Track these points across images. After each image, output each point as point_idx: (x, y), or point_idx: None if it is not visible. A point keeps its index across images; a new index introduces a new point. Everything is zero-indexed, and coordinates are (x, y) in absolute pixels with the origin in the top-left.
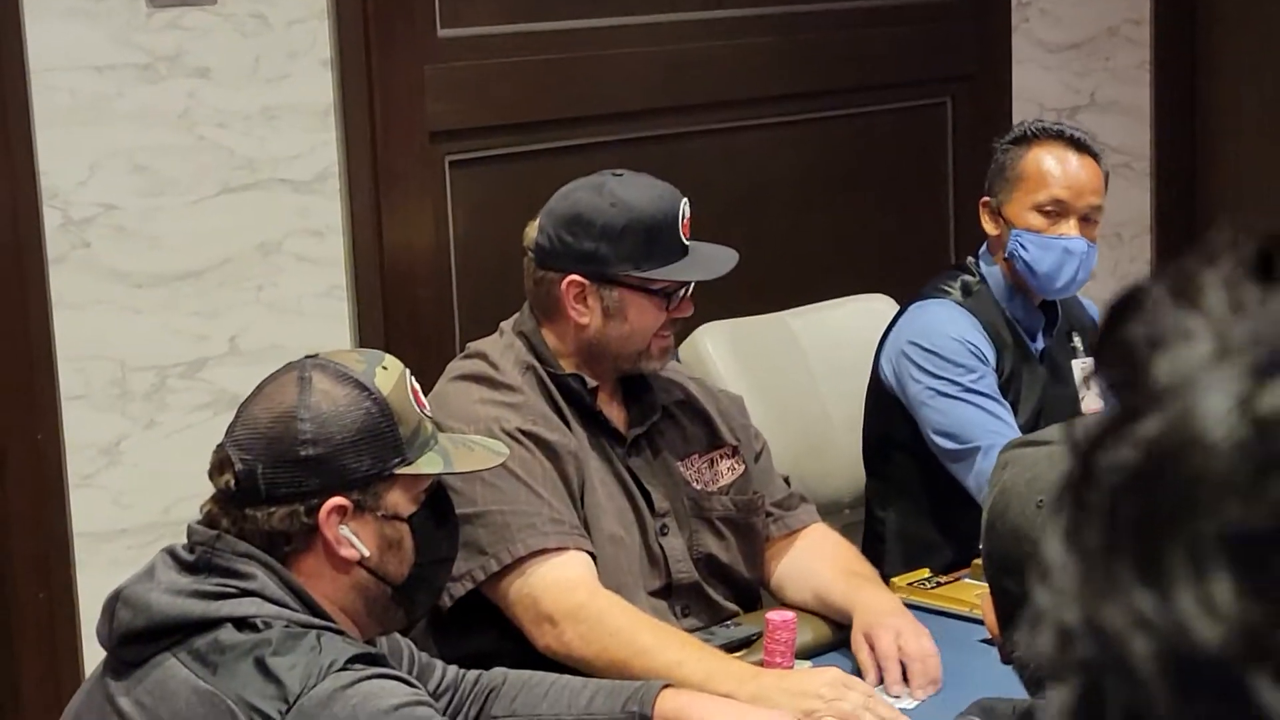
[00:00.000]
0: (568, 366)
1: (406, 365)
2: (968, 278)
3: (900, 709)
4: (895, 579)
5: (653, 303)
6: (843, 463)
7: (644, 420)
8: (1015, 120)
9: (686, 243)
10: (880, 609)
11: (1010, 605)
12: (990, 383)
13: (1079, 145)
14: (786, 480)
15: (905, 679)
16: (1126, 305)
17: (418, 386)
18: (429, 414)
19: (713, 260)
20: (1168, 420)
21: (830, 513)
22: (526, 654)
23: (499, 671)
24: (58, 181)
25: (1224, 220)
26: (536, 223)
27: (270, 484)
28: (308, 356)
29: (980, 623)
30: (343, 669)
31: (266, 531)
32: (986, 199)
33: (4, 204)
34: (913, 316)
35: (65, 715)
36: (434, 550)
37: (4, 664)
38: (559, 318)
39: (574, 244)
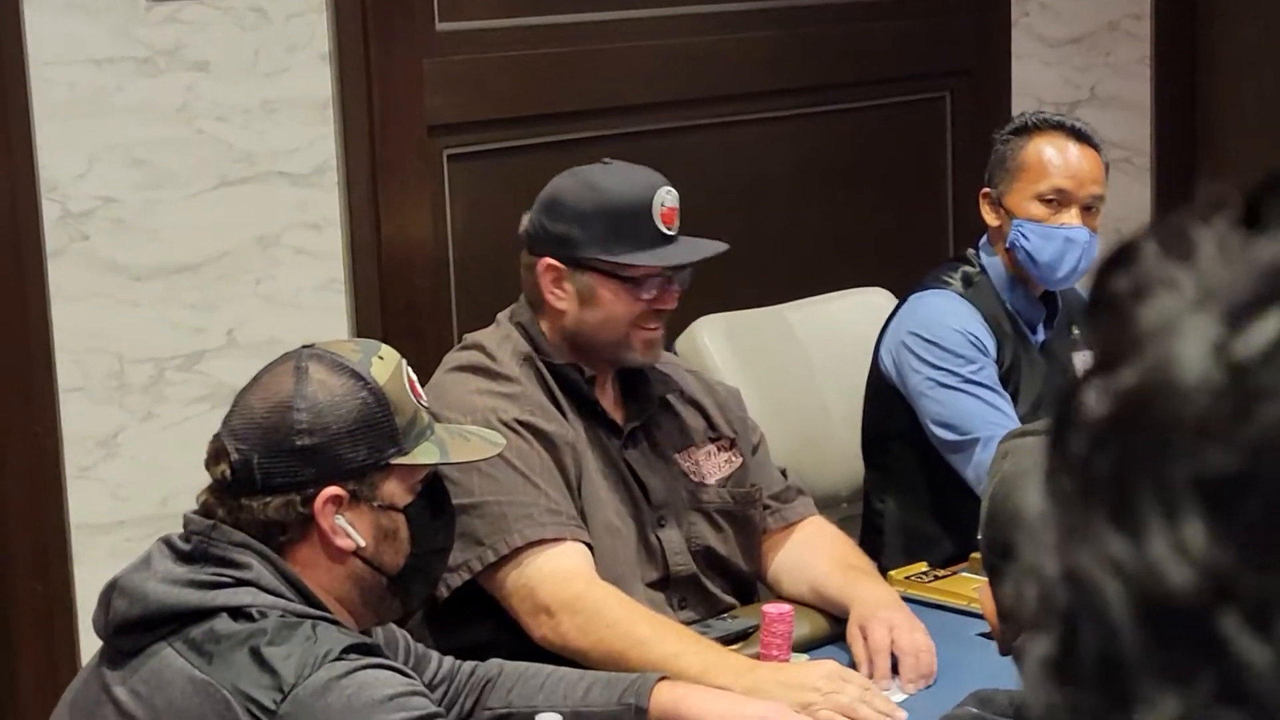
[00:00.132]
0: (562, 357)
1: (404, 358)
2: (968, 269)
3: (897, 701)
4: (893, 572)
5: (624, 289)
6: (840, 455)
7: (641, 412)
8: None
9: (667, 232)
10: (876, 602)
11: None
12: (990, 374)
13: (1079, 135)
14: (784, 473)
15: (897, 672)
16: (1116, 258)
17: (414, 377)
18: (425, 404)
19: (690, 250)
20: (1145, 367)
21: (828, 505)
22: (523, 645)
23: (495, 663)
24: (56, 174)
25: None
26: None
27: (266, 474)
28: (304, 346)
29: (978, 616)
30: (338, 659)
31: (262, 521)
32: (987, 190)
33: (3, 197)
34: (913, 307)
35: (61, 704)
36: (430, 540)
37: (1, 656)
38: (544, 305)
39: (550, 227)
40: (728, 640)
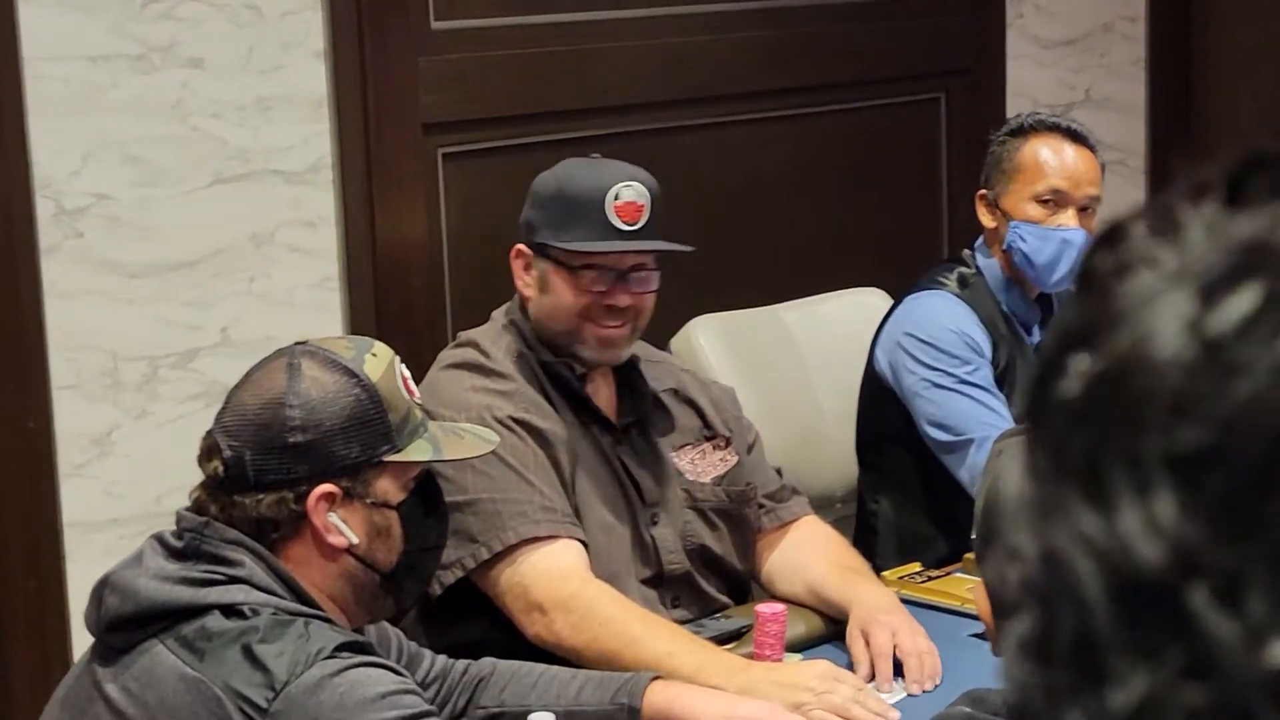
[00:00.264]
0: (552, 353)
1: (398, 356)
2: (964, 270)
3: (891, 702)
4: (886, 573)
5: (571, 278)
6: (835, 456)
7: (634, 410)
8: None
9: (620, 225)
10: (877, 605)
11: None
12: (985, 375)
13: (1075, 136)
14: (779, 472)
15: (898, 674)
16: (1103, 239)
17: (407, 374)
18: (418, 401)
19: (639, 246)
20: (1120, 343)
21: (822, 506)
22: (516, 643)
23: (488, 661)
24: (50, 171)
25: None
26: None
27: (258, 471)
28: (297, 343)
29: (971, 617)
30: (330, 657)
31: (255, 518)
32: (983, 191)
33: None
34: (909, 308)
35: (52, 701)
36: (423, 538)
37: None
38: (520, 295)
39: (524, 214)
40: (721, 640)
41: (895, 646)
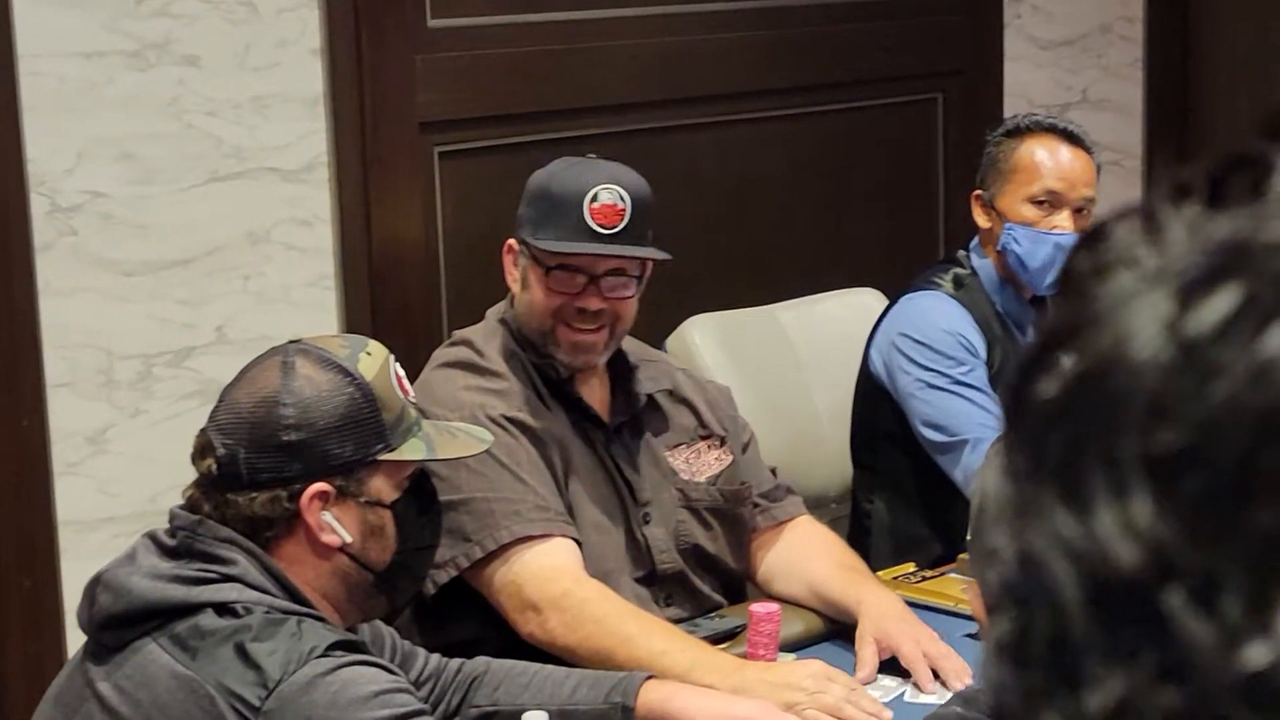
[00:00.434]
0: (539, 352)
1: (394, 355)
2: (959, 270)
3: (933, 701)
4: (880, 573)
5: (544, 277)
6: (830, 456)
7: (627, 409)
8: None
9: (596, 228)
10: (891, 613)
11: None
12: (980, 376)
13: (1071, 137)
14: (774, 471)
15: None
16: (1086, 240)
17: (402, 372)
18: (413, 400)
19: (610, 249)
20: (1098, 343)
21: (817, 506)
22: (510, 642)
23: (482, 660)
24: (45, 168)
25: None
26: None
27: (252, 469)
28: (291, 341)
29: (965, 617)
30: (323, 655)
31: (248, 517)
32: (978, 192)
33: None
34: (904, 308)
35: (45, 699)
36: (417, 537)
37: None
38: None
39: (518, 208)
40: (715, 639)
41: (924, 653)
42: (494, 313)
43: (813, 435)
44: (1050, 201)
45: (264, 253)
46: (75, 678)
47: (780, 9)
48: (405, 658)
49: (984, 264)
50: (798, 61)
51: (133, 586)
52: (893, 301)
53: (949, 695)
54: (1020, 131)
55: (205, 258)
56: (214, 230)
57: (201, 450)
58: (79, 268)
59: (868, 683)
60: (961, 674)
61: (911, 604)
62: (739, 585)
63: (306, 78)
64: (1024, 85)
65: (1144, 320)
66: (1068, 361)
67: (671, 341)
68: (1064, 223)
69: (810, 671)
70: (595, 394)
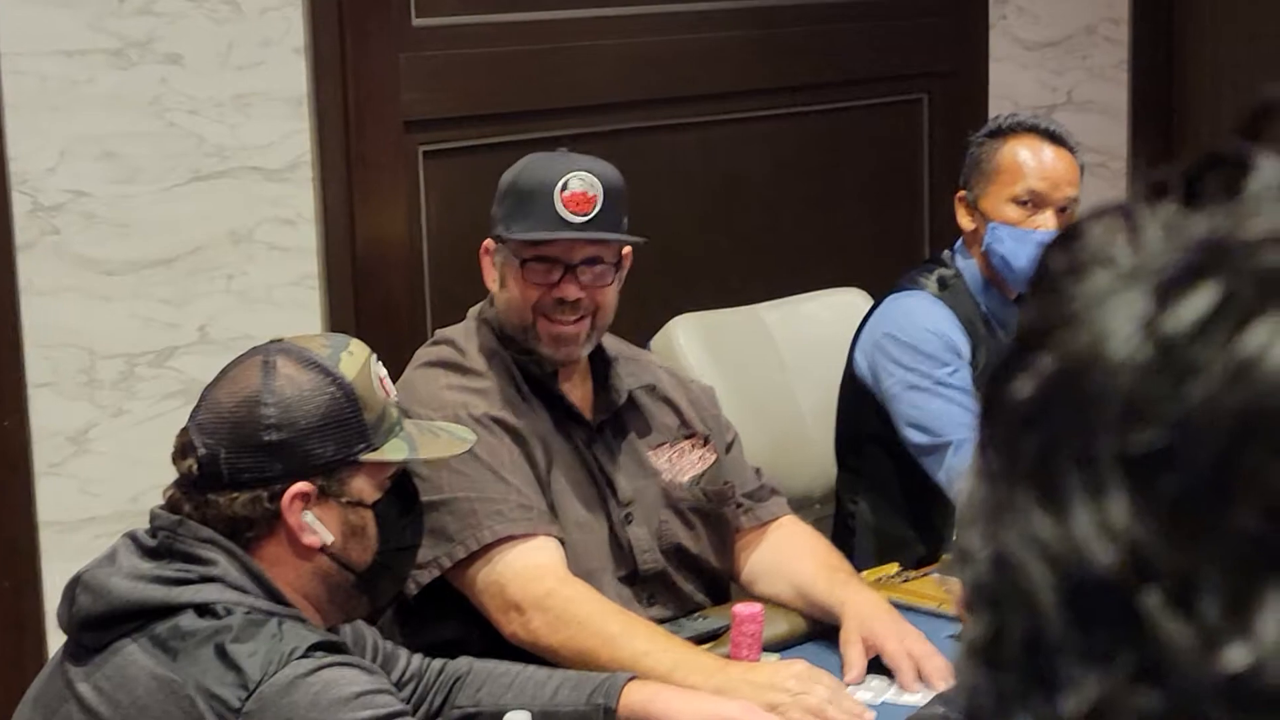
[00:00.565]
0: (519, 350)
1: (377, 355)
2: (943, 271)
3: (915, 701)
4: (864, 573)
5: (520, 270)
6: (814, 456)
7: (609, 407)
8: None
9: (568, 216)
10: (875, 612)
11: None
12: (964, 377)
13: (1054, 138)
14: (758, 472)
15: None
16: (1060, 240)
17: (384, 372)
18: (395, 400)
19: (584, 234)
20: (1074, 342)
21: (801, 506)
22: (493, 642)
23: (464, 661)
24: (27, 167)
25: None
26: None
27: (233, 469)
28: (272, 341)
29: (948, 618)
30: (303, 656)
31: (229, 517)
32: (962, 193)
33: None
34: (888, 309)
35: (25, 700)
36: (398, 538)
37: None
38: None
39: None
40: (699, 640)
41: (908, 652)
42: (475, 312)
43: (797, 436)
44: (1033, 201)
45: (247, 252)
46: (55, 679)
47: (766, 9)
48: (387, 658)
49: (968, 264)
50: (783, 61)
51: (113, 587)
52: (877, 302)
53: (932, 695)
54: (1003, 132)
55: (188, 257)
56: (197, 229)
57: (182, 450)
58: (61, 267)
59: (857, 684)
60: (945, 674)
61: (895, 605)
62: (722, 585)
63: (290, 77)
64: (1009, 86)
65: (1121, 319)
66: (1043, 361)
67: (656, 341)
68: (1047, 223)
69: (793, 672)
70: (577, 392)
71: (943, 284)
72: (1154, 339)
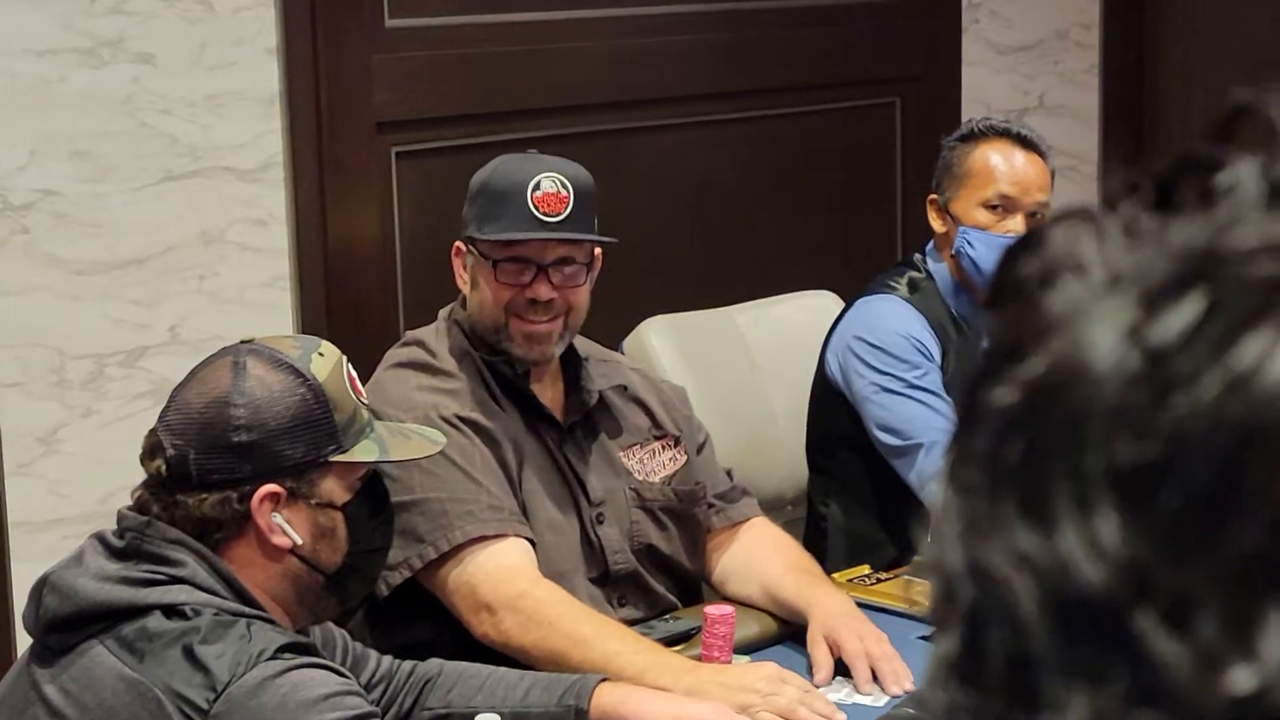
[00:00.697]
0: (491, 351)
1: (349, 357)
2: (914, 274)
3: (867, 703)
4: (835, 575)
5: (492, 271)
6: (786, 458)
7: (579, 408)
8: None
9: (540, 216)
10: (839, 611)
11: None
12: (935, 379)
13: (1025, 142)
14: (729, 473)
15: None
16: (1020, 246)
17: (354, 373)
18: (365, 401)
19: (555, 234)
20: (1054, 353)
21: (773, 508)
22: (464, 643)
23: (435, 663)
24: None
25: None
26: None
27: (202, 470)
28: (243, 342)
29: (919, 620)
30: (272, 658)
31: (198, 518)
32: (934, 196)
33: None
34: (859, 312)
35: None
36: (368, 539)
37: None
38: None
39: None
40: (670, 641)
41: (866, 652)
42: (445, 313)
43: (768, 438)
44: (1004, 206)
45: (218, 252)
46: (20, 681)
47: (740, 13)
48: (357, 660)
49: (939, 268)
50: (757, 65)
51: (80, 588)
52: (849, 305)
53: (885, 699)
54: (975, 136)
55: (159, 257)
56: (168, 229)
57: (151, 451)
58: (31, 266)
59: (825, 685)
60: (902, 679)
61: (866, 606)
62: (694, 586)
63: (262, 77)
64: (982, 90)
65: (1105, 328)
66: (1023, 371)
67: (628, 343)
68: (1017, 227)
69: (764, 674)
70: (549, 393)
71: (913, 287)
72: (1141, 348)
